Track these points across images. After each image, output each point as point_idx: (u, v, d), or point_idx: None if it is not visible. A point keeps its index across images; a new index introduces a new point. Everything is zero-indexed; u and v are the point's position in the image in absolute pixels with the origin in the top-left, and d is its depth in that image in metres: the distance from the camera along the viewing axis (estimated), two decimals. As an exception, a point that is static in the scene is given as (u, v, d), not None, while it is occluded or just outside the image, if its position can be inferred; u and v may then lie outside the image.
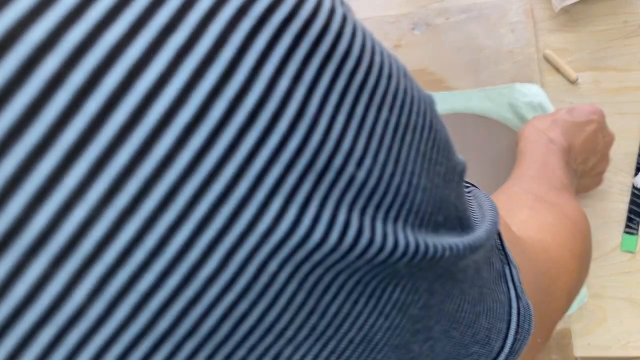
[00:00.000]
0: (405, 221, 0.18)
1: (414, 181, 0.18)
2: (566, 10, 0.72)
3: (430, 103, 0.20)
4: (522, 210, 0.44)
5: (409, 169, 0.17)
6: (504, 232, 0.31)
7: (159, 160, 0.13)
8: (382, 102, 0.17)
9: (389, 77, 0.17)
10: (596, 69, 0.68)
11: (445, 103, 0.70)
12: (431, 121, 0.19)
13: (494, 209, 0.29)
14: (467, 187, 0.33)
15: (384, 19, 0.78)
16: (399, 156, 0.17)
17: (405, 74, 0.18)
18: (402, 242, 0.17)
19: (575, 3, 0.71)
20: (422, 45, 0.75)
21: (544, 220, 0.43)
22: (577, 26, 0.71)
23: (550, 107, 0.65)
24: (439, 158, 0.20)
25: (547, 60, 0.70)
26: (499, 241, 0.30)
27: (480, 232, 0.23)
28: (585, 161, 0.57)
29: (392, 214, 0.17)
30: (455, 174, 0.21)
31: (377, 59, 0.17)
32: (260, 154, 0.14)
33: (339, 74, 0.15)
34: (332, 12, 0.15)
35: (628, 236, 0.60)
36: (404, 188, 0.17)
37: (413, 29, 0.76)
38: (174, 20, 0.13)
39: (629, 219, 0.60)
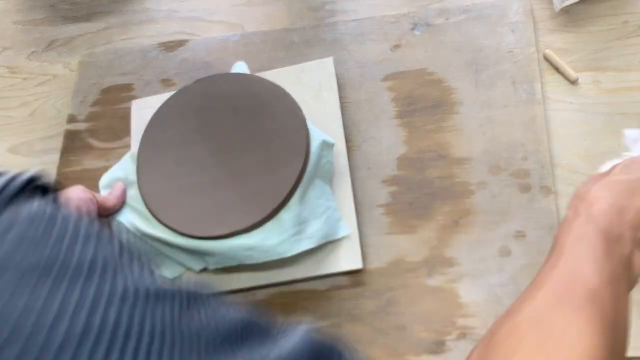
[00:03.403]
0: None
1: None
2: (566, 10, 0.72)
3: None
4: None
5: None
6: None
7: None
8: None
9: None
10: (596, 69, 0.68)
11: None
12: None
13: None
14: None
15: (384, 18, 0.78)
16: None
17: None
18: None
19: (575, 3, 0.71)
20: (422, 45, 0.75)
21: None
22: (577, 26, 0.71)
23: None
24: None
25: (547, 60, 0.70)
26: None
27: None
28: None
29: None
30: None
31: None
32: None
33: None
34: None
35: (628, 236, 0.60)
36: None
37: (413, 29, 0.76)
38: None
39: (629, 219, 0.60)
